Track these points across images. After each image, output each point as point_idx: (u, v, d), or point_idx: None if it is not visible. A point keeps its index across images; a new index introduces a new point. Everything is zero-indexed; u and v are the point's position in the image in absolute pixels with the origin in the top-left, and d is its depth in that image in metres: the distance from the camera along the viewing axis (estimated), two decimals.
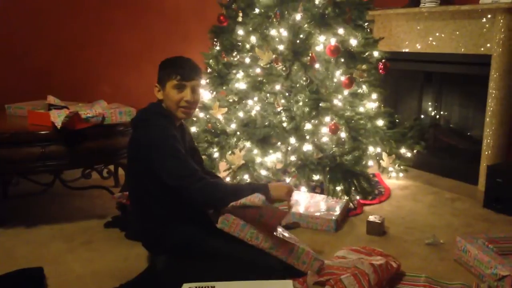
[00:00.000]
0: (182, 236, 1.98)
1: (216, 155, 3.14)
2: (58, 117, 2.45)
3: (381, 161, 3.37)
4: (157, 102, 2.07)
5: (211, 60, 3.34)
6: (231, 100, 3.22)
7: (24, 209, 2.91)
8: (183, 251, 1.97)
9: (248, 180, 3.00)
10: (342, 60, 3.05)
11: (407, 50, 3.79)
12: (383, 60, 3.21)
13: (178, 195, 1.91)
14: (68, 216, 2.78)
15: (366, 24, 3.32)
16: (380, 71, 3.21)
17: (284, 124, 3.03)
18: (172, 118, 2.03)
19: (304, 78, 2.99)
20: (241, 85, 3.14)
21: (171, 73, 1.98)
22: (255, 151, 3.03)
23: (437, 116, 3.97)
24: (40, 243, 2.45)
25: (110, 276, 2.09)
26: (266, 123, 3.07)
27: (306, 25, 3.01)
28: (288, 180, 3.04)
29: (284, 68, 3.00)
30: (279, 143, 3.03)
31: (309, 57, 2.96)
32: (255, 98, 3.12)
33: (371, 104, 3.30)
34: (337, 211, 2.69)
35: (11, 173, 2.55)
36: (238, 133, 3.11)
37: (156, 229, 2.02)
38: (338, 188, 2.94)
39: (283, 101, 3.06)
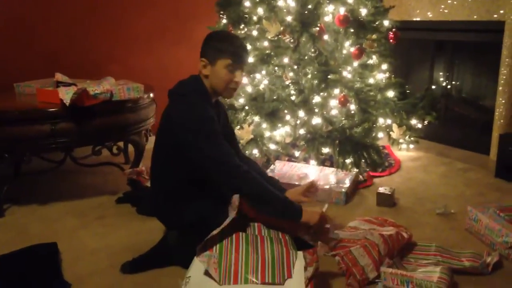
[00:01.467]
0: (198, 212, 1.97)
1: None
2: (66, 94, 2.45)
3: (391, 132, 3.34)
4: (198, 76, 2.01)
5: None
6: None
7: (37, 187, 2.94)
8: (199, 228, 1.98)
9: (258, 155, 2.99)
10: (352, 30, 2.99)
11: (418, 18, 3.71)
12: (394, 30, 3.15)
13: (200, 173, 1.91)
14: (80, 193, 2.81)
15: None
16: (391, 40, 3.16)
17: (293, 98, 3.01)
18: (210, 95, 2.00)
19: (313, 50, 2.95)
20: (249, 59, 3.10)
21: (226, 52, 1.93)
22: (264, 125, 3.02)
23: (449, 86, 3.91)
24: (53, 219, 2.49)
25: (123, 250, 2.12)
26: (275, 97, 3.05)
27: None
28: (297, 153, 3.03)
29: (292, 40, 2.96)
30: (288, 117, 3.02)
31: (317, 28, 2.91)
32: (263, 72, 3.09)
33: (381, 75, 3.25)
34: (347, 183, 2.69)
35: (22, 151, 2.57)
36: (246, 107, 3.09)
37: (173, 204, 2.01)
38: (348, 161, 2.93)
39: (291, 74, 3.03)
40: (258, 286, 1.62)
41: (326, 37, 2.96)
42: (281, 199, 1.93)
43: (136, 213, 2.53)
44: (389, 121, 3.27)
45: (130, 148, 3.14)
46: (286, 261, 1.71)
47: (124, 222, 2.44)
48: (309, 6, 2.95)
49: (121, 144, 3.16)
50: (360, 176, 2.90)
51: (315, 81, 2.92)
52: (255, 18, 3.13)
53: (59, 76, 2.80)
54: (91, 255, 2.12)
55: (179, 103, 1.95)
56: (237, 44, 1.98)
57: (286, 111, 3.01)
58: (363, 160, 2.95)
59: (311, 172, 2.86)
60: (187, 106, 1.91)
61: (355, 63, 3.04)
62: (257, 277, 1.64)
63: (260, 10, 3.07)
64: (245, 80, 3.14)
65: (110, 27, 3.79)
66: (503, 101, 3.16)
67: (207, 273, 1.68)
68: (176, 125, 1.91)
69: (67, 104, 2.44)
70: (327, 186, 2.64)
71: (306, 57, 2.99)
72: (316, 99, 2.97)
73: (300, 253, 1.76)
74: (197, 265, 1.75)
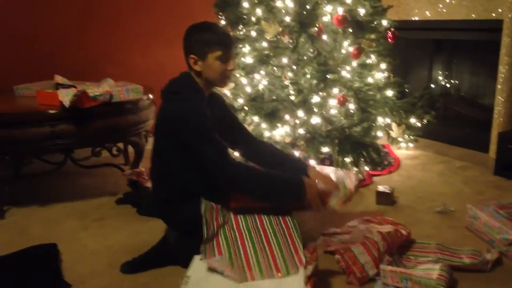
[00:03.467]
0: (196, 210, 1.98)
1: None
2: (66, 96, 2.46)
3: (390, 131, 3.34)
4: (188, 73, 2.00)
5: None
6: (238, 75, 3.20)
7: (37, 188, 2.95)
8: (196, 226, 1.99)
9: None
10: (350, 30, 2.99)
11: (416, 18, 3.72)
12: (392, 29, 3.15)
13: (197, 171, 1.92)
14: (80, 194, 2.82)
15: None
16: (389, 40, 3.16)
17: (292, 98, 3.01)
18: (202, 91, 1.99)
19: (312, 50, 2.95)
20: (248, 60, 3.11)
21: (214, 44, 1.91)
22: (263, 125, 3.02)
23: (447, 85, 3.91)
24: (53, 221, 2.49)
25: (123, 250, 2.12)
26: (274, 97, 3.05)
27: None
28: (297, 153, 3.03)
29: (291, 41, 2.96)
30: (287, 117, 3.02)
31: (316, 28, 2.92)
32: (262, 72, 3.09)
33: (380, 75, 3.25)
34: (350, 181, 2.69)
35: (22, 153, 2.58)
36: (245, 108, 3.10)
37: (174, 203, 2.02)
38: (347, 160, 2.93)
39: (290, 74, 3.03)
40: (275, 280, 1.70)
41: (324, 37, 2.96)
42: (285, 178, 1.93)
43: (137, 214, 2.54)
44: (388, 120, 3.27)
45: (130, 149, 3.15)
46: (294, 251, 1.80)
47: (124, 223, 2.44)
48: (308, 7, 2.95)
49: (121, 145, 3.17)
50: (360, 175, 2.90)
51: (314, 81, 2.93)
52: (253, 19, 3.13)
53: (58, 78, 2.81)
54: (91, 255, 2.12)
55: (173, 101, 1.94)
56: (221, 32, 1.96)
57: (285, 111, 3.01)
58: (362, 159, 2.95)
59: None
60: (181, 104, 1.91)
61: (354, 63, 3.04)
62: (272, 273, 1.73)
63: (259, 11, 3.08)
64: (244, 80, 3.15)
65: (108, 28, 3.80)
66: (502, 100, 3.17)
67: (209, 272, 1.72)
68: (171, 123, 1.91)
69: (67, 106, 2.45)
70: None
71: (305, 57, 2.99)
72: (315, 99, 2.97)
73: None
74: (197, 264, 1.76)
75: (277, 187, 1.90)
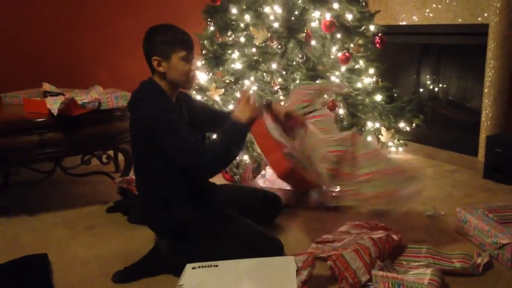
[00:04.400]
0: (182, 217, 1.99)
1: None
2: (54, 104, 2.44)
3: (380, 136, 3.36)
4: (149, 79, 2.01)
5: (206, 41, 3.31)
6: (227, 81, 3.20)
7: (26, 198, 2.92)
8: (184, 232, 1.99)
9: (248, 161, 3.00)
10: (338, 35, 3.02)
11: (403, 23, 3.75)
12: (380, 34, 3.18)
13: (180, 175, 1.92)
14: (70, 203, 2.79)
15: None
16: (377, 45, 3.18)
17: (282, 103, 3.02)
18: (167, 94, 1.98)
19: (300, 56, 2.96)
20: (237, 65, 3.11)
21: (177, 44, 1.91)
22: None
23: (436, 89, 3.95)
24: (43, 230, 2.46)
25: (114, 259, 2.10)
26: (264, 103, 3.05)
27: (300, 1, 2.98)
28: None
29: (279, 46, 2.98)
30: None
31: (304, 34, 2.94)
32: (252, 78, 3.10)
33: (369, 79, 3.27)
34: (338, 187, 2.69)
35: (10, 162, 2.55)
36: None
37: (158, 210, 2.03)
38: None
39: (280, 79, 3.04)
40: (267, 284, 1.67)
41: (313, 42, 2.98)
42: (224, 133, 1.90)
43: (127, 221, 2.52)
44: (377, 125, 3.29)
45: (120, 156, 3.13)
46: None
47: (114, 231, 2.42)
48: (296, 12, 2.97)
49: (110, 153, 3.14)
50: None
51: None
52: (242, 25, 3.14)
53: (46, 86, 2.79)
54: (81, 265, 2.10)
55: (138, 109, 1.94)
56: (182, 32, 1.96)
57: None
58: None
59: None
60: (146, 108, 1.90)
61: (343, 68, 3.06)
62: None
63: (247, 17, 3.09)
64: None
65: (96, 35, 3.79)
66: (489, 103, 3.20)
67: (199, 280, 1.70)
68: (141, 130, 1.92)
69: (55, 114, 2.43)
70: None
71: (294, 63, 3.00)
72: None
73: (291, 258, 1.77)
74: (189, 273, 1.75)
75: (232, 141, 1.88)
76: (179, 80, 1.98)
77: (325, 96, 2.46)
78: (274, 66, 3.02)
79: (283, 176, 1.95)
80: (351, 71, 3.14)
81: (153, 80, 1.99)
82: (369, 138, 3.27)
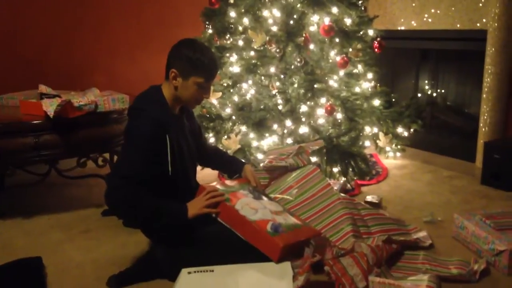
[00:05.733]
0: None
1: (211, 140, 3.13)
2: (50, 106, 2.42)
3: (378, 141, 3.36)
4: (158, 87, 1.97)
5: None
6: (225, 84, 3.19)
7: (21, 200, 2.90)
8: (179, 237, 1.96)
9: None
10: (337, 40, 3.01)
11: (402, 27, 3.75)
12: (378, 39, 3.18)
13: (171, 184, 1.91)
14: (66, 206, 2.77)
15: (360, 2, 3.27)
16: (376, 50, 3.18)
17: (280, 107, 3.01)
18: (169, 107, 1.95)
19: (299, 60, 2.96)
20: (235, 69, 3.11)
21: (201, 71, 1.89)
22: (251, 135, 3.01)
23: (434, 94, 3.95)
24: (38, 233, 2.44)
25: (110, 263, 2.09)
26: (262, 106, 3.05)
27: (299, 5, 2.98)
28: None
29: (278, 50, 2.97)
30: (275, 126, 3.02)
31: (303, 38, 2.93)
32: (250, 81, 3.09)
33: (367, 84, 3.27)
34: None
35: (5, 164, 2.53)
36: (233, 117, 3.09)
37: None
38: (335, 170, 2.94)
39: (278, 83, 3.03)
40: None
41: (311, 46, 2.98)
42: (167, 206, 1.85)
43: (123, 225, 2.50)
44: (375, 130, 3.29)
45: (116, 159, 3.11)
46: None
47: (110, 235, 2.40)
48: (294, 16, 2.96)
49: (106, 155, 3.12)
50: (348, 185, 2.90)
51: (302, 90, 2.93)
52: (240, 28, 3.14)
53: (43, 88, 2.77)
54: (76, 269, 2.08)
55: (135, 119, 1.90)
56: (210, 58, 1.92)
57: (273, 121, 3.01)
58: (350, 169, 2.95)
59: None
60: (142, 121, 1.85)
61: (341, 72, 3.06)
62: None
63: (246, 20, 3.08)
64: (231, 90, 3.14)
65: (94, 37, 3.77)
66: (487, 109, 3.20)
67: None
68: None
69: (51, 116, 2.41)
70: None
71: (292, 67, 3.00)
72: (303, 108, 2.97)
73: (288, 263, 1.75)
74: (185, 277, 1.74)
75: (160, 216, 1.82)
76: (187, 101, 1.97)
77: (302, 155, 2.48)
78: (272, 69, 3.02)
79: (279, 259, 1.76)
80: (350, 75, 3.14)
81: (160, 89, 1.96)
82: (368, 143, 3.28)
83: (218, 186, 1.98)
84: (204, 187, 1.92)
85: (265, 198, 2.06)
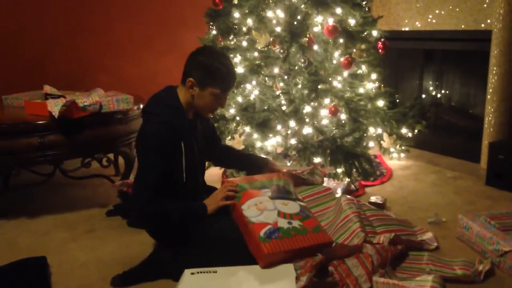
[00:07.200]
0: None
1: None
2: (55, 106, 2.44)
3: (382, 141, 3.35)
4: (173, 89, 1.96)
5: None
6: None
7: (26, 200, 2.91)
8: (183, 238, 1.96)
9: None
10: (341, 40, 3.00)
11: (406, 28, 3.75)
12: (382, 39, 3.16)
13: (182, 187, 1.93)
14: (70, 206, 2.78)
15: (364, 2, 3.26)
16: (380, 50, 3.17)
17: (284, 108, 3.01)
18: (184, 111, 1.94)
19: (303, 60, 2.95)
20: (239, 69, 3.11)
21: (218, 84, 1.89)
22: (255, 135, 3.01)
23: (438, 95, 3.94)
24: (43, 232, 2.45)
25: (114, 263, 2.09)
26: (265, 107, 3.04)
27: (303, 6, 2.97)
28: (289, 163, 3.02)
29: (282, 51, 2.96)
30: (279, 127, 3.01)
31: (307, 39, 2.93)
32: (254, 82, 3.09)
33: (371, 85, 3.26)
34: (339, 193, 2.68)
35: (10, 164, 2.54)
36: (237, 118, 3.09)
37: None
38: (339, 170, 2.93)
39: (281, 84, 3.03)
40: None
41: (315, 47, 2.97)
42: (187, 206, 1.94)
43: (127, 225, 2.51)
44: (379, 130, 3.28)
45: (120, 159, 3.12)
46: None
47: (114, 234, 2.41)
48: (298, 17, 2.96)
49: (111, 156, 3.13)
50: (352, 186, 2.90)
51: (306, 91, 2.93)
52: (244, 29, 3.13)
53: (47, 88, 2.78)
54: (81, 268, 2.09)
55: (149, 123, 1.91)
56: (228, 69, 1.90)
57: (277, 121, 3.00)
58: (354, 170, 2.95)
59: None
60: (155, 126, 1.87)
61: (345, 73, 3.05)
62: None
63: (250, 21, 3.08)
64: (235, 90, 3.14)
65: (99, 37, 3.78)
66: (492, 109, 3.19)
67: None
68: (138, 143, 1.95)
69: (56, 116, 2.42)
70: None
71: (296, 67, 2.99)
72: (307, 109, 2.97)
73: (290, 265, 1.75)
74: (188, 278, 1.74)
75: (181, 216, 1.92)
76: (201, 110, 1.99)
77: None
78: (276, 70, 3.02)
79: (265, 265, 1.77)
80: (354, 76, 3.13)
81: (176, 93, 1.95)
82: (372, 143, 3.27)
83: (242, 183, 2.01)
84: (224, 181, 2.01)
85: (286, 198, 2.02)
